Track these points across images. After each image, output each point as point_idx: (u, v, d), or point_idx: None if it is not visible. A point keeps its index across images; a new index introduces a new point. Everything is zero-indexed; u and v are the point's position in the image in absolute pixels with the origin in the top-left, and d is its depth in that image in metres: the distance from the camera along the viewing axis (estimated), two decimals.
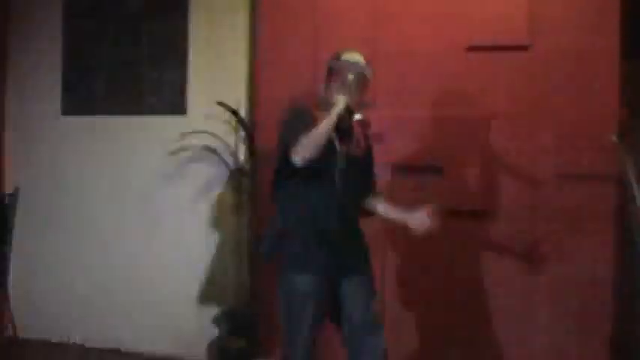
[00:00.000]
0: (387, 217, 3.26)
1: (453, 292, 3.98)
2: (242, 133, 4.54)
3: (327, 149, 2.96)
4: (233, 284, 4.51)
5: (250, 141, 4.50)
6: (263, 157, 4.33)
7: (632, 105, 3.87)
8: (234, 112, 4.48)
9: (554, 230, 3.82)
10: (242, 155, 4.56)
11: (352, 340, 3.09)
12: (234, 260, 4.52)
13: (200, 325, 4.64)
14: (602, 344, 3.74)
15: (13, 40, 5.19)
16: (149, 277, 4.79)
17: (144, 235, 4.82)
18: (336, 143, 3.05)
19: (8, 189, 4.89)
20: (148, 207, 4.80)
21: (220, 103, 4.48)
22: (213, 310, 4.53)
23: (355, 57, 3.17)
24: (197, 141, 4.60)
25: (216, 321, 4.47)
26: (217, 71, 4.67)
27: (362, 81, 3.12)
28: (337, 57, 3.19)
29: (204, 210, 4.68)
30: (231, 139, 4.56)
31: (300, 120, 3.03)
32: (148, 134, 4.82)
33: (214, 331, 4.48)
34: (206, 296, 4.67)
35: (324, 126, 2.92)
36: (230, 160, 4.56)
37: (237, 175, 4.55)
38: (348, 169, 3.07)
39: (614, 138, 3.68)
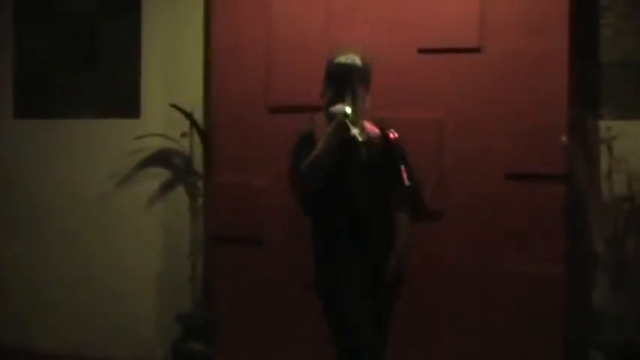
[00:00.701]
0: None
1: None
2: (197, 136, 4.51)
3: (338, 167, 2.87)
4: (189, 287, 4.48)
5: (205, 143, 4.47)
6: (218, 159, 4.31)
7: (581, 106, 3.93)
8: (188, 115, 4.45)
9: (505, 230, 3.85)
10: (197, 157, 4.54)
11: None
12: (189, 262, 4.50)
13: (158, 329, 4.62)
14: (555, 343, 3.77)
15: None
16: (106, 280, 4.76)
17: (99, 238, 4.79)
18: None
19: None
20: (103, 210, 4.76)
21: (174, 106, 4.45)
22: (171, 313, 4.50)
23: (348, 58, 2.99)
24: (152, 144, 4.57)
25: (173, 324, 4.44)
26: (172, 73, 4.65)
27: (350, 85, 2.93)
28: (331, 59, 3.04)
29: (159, 212, 4.66)
30: (185, 142, 4.53)
31: (300, 150, 2.94)
32: (102, 137, 4.77)
33: (172, 335, 4.46)
34: (163, 299, 4.65)
35: (317, 154, 2.83)
36: (185, 163, 4.54)
37: (192, 178, 4.53)
38: (365, 184, 2.95)
39: (563, 139, 3.74)
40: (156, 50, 4.68)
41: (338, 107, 2.85)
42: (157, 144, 4.58)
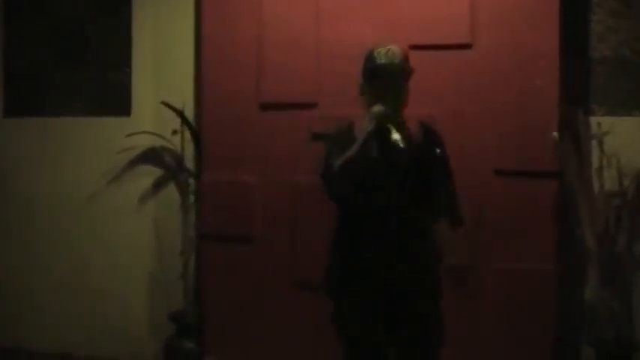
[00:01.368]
0: None
1: None
2: (188, 133, 4.50)
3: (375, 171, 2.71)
4: (181, 285, 4.48)
5: (196, 141, 4.46)
6: (209, 156, 4.30)
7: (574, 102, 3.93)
8: (179, 113, 4.44)
9: (495, 227, 3.85)
10: (188, 155, 4.53)
11: None
12: (181, 260, 4.49)
13: (150, 327, 4.62)
14: (545, 340, 3.78)
15: None
16: (98, 278, 4.75)
17: (91, 236, 4.78)
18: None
19: None
20: (95, 208, 4.75)
21: (165, 104, 4.44)
22: (164, 312, 4.50)
23: (389, 55, 2.77)
24: (143, 142, 4.55)
25: (166, 322, 4.44)
26: (163, 71, 4.63)
27: (392, 84, 2.76)
28: (368, 55, 2.83)
29: (151, 210, 4.65)
30: (177, 140, 4.52)
31: (336, 143, 2.76)
32: (93, 135, 4.76)
33: (164, 333, 4.45)
34: (155, 297, 4.64)
35: (352, 155, 2.64)
36: (176, 161, 4.53)
37: (183, 176, 4.52)
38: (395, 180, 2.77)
39: (554, 135, 3.74)
40: (146, 48, 4.67)
41: (379, 108, 2.68)
42: (148, 142, 4.57)
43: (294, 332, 4.11)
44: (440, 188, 2.86)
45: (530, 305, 3.81)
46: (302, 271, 4.10)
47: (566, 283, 3.94)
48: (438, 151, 2.86)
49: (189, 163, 4.52)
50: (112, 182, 4.68)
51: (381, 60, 2.77)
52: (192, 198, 4.49)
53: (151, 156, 4.59)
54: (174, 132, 4.49)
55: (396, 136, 2.66)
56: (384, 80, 2.76)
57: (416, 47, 3.96)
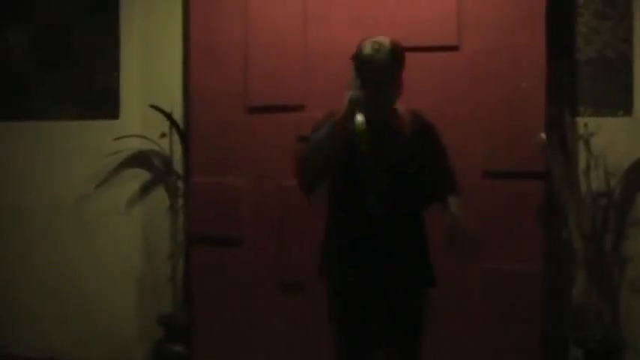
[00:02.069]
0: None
1: None
2: (176, 136, 4.49)
3: (351, 156, 2.69)
4: (170, 288, 4.47)
5: (185, 144, 4.46)
6: (197, 159, 4.29)
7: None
8: (168, 116, 4.44)
9: (483, 228, 3.85)
10: (177, 158, 4.52)
11: None
12: (170, 263, 4.48)
13: (139, 330, 4.61)
14: (533, 340, 3.79)
15: None
16: (86, 282, 4.74)
17: (79, 239, 4.76)
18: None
19: None
20: (83, 212, 4.73)
21: (153, 106, 4.44)
22: (152, 315, 4.49)
23: (374, 45, 2.74)
24: (131, 145, 4.55)
25: (154, 326, 4.43)
26: (151, 73, 4.63)
27: (375, 75, 2.71)
28: (358, 46, 2.80)
29: (139, 214, 4.64)
30: (165, 142, 4.51)
31: (312, 132, 2.76)
32: (81, 139, 4.75)
33: (153, 336, 4.44)
34: (144, 301, 4.63)
35: (317, 138, 2.65)
36: (165, 164, 4.52)
37: (172, 179, 4.52)
38: (383, 175, 2.76)
39: (541, 136, 3.75)
40: (134, 50, 4.66)
41: (349, 93, 2.66)
42: (136, 145, 4.56)
43: (283, 334, 4.11)
44: (436, 175, 2.87)
45: (518, 305, 3.82)
46: (291, 274, 4.10)
47: (554, 283, 3.96)
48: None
49: (178, 165, 4.52)
50: (100, 186, 4.67)
51: (366, 51, 2.76)
52: (180, 201, 4.49)
53: (140, 159, 4.58)
54: (163, 135, 4.48)
55: (359, 117, 2.62)
56: (367, 71, 2.73)
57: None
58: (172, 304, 4.45)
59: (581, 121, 3.96)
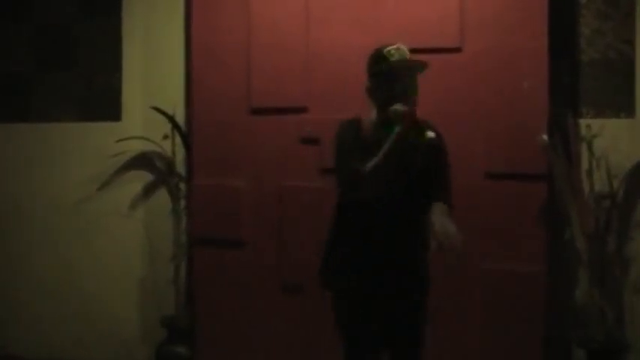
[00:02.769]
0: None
1: None
2: (178, 138, 4.50)
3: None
4: (172, 290, 4.47)
5: (187, 146, 4.46)
6: (199, 161, 4.29)
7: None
8: (170, 117, 4.44)
9: (485, 229, 3.86)
10: (179, 160, 4.52)
11: None
12: (173, 265, 4.48)
13: (142, 332, 4.61)
14: (534, 342, 3.79)
15: None
16: (89, 284, 4.74)
17: (82, 242, 4.76)
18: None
19: None
20: (85, 214, 4.73)
21: (155, 108, 4.44)
22: (154, 317, 4.49)
23: (395, 52, 2.77)
24: (133, 146, 4.55)
25: (156, 327, 4.43)
26: (153, 75, 4.64)
27: (410, 81, 2.75)
28: (378, 55, 2.80)
29: (142, 215, 4.64)
30: (167, 144, 4.52)
31: (345, 140, 2.76)
32: (83, 141, 4.75)
33: (156, 338, 4.45)
34: (146, 302, 4.63)
35: (380, 158, 2.64)
36: (167, 165, 4.52)
37: (174, 180, 4.52)
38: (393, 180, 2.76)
39: (544, 137, 3.74)
40: (136, 52, 4.66)
41: (401, 107, 2.66)
42: (138, 147, 4.57)
43: (285, 335, 4.11)
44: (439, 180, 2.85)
45: (520, 306, 3.82)
46: (292, 275, 4.11)
47: (556, 283, 3.96)
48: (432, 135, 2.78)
49: (180, 167, 4.52)
50: (102, 187, 4.67)
51: (396, 57, 2.76)
52: (183, 202, 4.49)
53: (142, 161, 4.59)
54: (165, 137, 4.48)
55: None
56: (402, 78, 2.74)
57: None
58: (174, 305, 4.45)
59: (583, 122, 3.96)
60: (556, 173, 3.81)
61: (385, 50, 2.80)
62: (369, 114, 2.87)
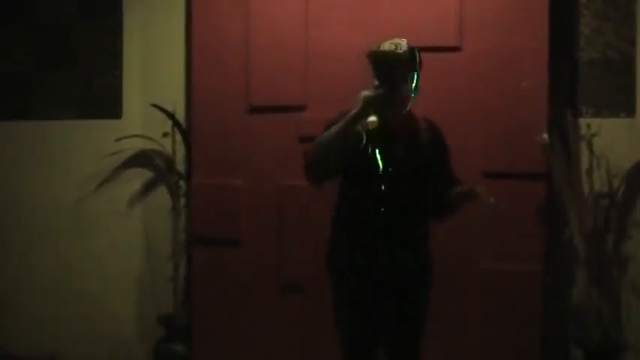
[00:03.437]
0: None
1: None
2: (179, 136, 4.50)
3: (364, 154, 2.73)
4: (170, 288, 4.48)
5: (187, 143, 4.46)
6: (198, 159, 4.29)
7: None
8: (170, 115, 4.44)
9: (484, 228, 3.85)
10: (179, 158, 4.52)
11: None
12: (171, 263, 4.48)
13: (140, 330, 4.61)
14: (532, 341, 3.78)
15: None
16: (87, 282, 4.73)
17: (81, 239, 4.76)
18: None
19: None
20: (85, 212, 4.73)
21: (155, 106, 4.44)
22: (153, 315, 4.49)
23: (387, 43, 2.81)
24: (133, 144, 4.55)
25: (155, 325, 4.43)
26: (153, 73, 4.63)
27: (389, 71, 2.76)
28: (372, 47, 2.84)
29: (141, 213, 4.64)
30: (167, 142, 4.51)
31: (326, 128, 2.80)
32: (83, 138, 4.75)
33: (154, 336, 4.45)
34: (144, 301, 4.63)
35: (329, 135, 2.68)
36: (167, 163, 4.52)
37: (174, 178, 4.52)
38: (394, 172, 2.78)
39: (544, 136, 3.74)
40: (136, 50, 4.66)
41: (364, 92, 2.70)
42: (138, 144, 4.57)
43: (283, 334, 4.11)
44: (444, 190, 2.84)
45: (518, 305, 3.81)
46: (291, 274, 4.11)
47: (554, 283, 3.96)
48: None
49: (180, 165, 4.52)
50: (101, 185, 4.67)
51: (384, 47, 2.81)
52: (182, 201, 4.49)
53: (142, 158, 4.59)
54: (165, 134, 4.49)
55: (371, 118, 2.66)
56: (383, 67, 2.78)
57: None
58: (173, 304, 4.46)
59: (583, 121, 3.95)
60: (555, 172, 3.81)
61: (380, 42, 2.85)
62: None
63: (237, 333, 4.20)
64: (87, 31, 4.77)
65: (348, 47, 3.99)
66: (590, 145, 3.89)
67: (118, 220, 4.65)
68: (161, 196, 4.57)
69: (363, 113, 2.66)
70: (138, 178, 4.64)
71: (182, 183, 4.51)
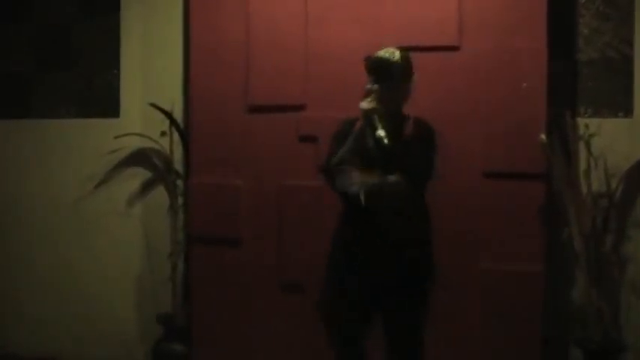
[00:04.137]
0: None
1: None
2: (176, 135, 4.50)
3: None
4: (169, 287, 4.47)
5: (185, 143, 4.46)
6: (196, 159, 4.29)
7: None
8: (168, 114, 4.44)
9: (483, 228, 3.86)
10: (177, 157, 4.52)
11: None
12: (170, 263, 4.48)
13: (139, 330, 4.61)
14: (533, 342, 3.78)
15: None
16: (86, 281, 4.74)
17: (78, 238, 4.77)
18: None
19: None
20: (83, 211, 4.73)
21: (153, 105, 4.44)
22: (152, 314, 4.49)
23: (382, 52, 3.00)
24: (131, 143, 4.55)
25: (154, 325, 4.43)
26: (151, 72, 4.63)
27: (381, 79, 2.92)
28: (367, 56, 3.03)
29: (139, 212, 4.64)
30: (165, 141, 4.51)
31: (337, 137, 2.99)
32: (81, 137, 4.75)
33: (153, 335, 4.44)
34: (143, 300, 4.63)
35: (342, 153, 2.88)
36: (165, 163, 4.52)
37: (172, 177, 4.52)
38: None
39: (542, 137, 3.75)
40: (135, 49, 4.66)
41: (365, 104, 2.86)
42: (136, 143, 4.57)
43: (283, 334, 4.11)
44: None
45: (518, 305, 3.81)
46: (290, 274, 4.11)
47: (554, 283, 3.96)
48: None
49: (178, 165, 4.52)
50: (100, 184, 4.67)
51: (379, 54, 2.99)
52: (180, 200, 4.49)
53: (140, 158, 4.59)
54: (163, 134, 4.48)
55: (380, 132, 2.77)
56: (374, 75, 2.95)
57: (403, 49, 3.97)
58: (172, 303, 4.45)
59: (582, 121, 3.95)
60: (554, 173, 3.81)
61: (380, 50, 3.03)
62: None
63: (237, 333, 4.20)
64: (87, 31, 4.78)
65: (347, 47, 3.99)
66: (588, 145, 3.89)
67: (118, 220, 4.65)
68: (160, 195, 4.56)
69: (368, 126, 2.82)
70: (136, 177, 4.64)
71: (180, 182, 4.50)
